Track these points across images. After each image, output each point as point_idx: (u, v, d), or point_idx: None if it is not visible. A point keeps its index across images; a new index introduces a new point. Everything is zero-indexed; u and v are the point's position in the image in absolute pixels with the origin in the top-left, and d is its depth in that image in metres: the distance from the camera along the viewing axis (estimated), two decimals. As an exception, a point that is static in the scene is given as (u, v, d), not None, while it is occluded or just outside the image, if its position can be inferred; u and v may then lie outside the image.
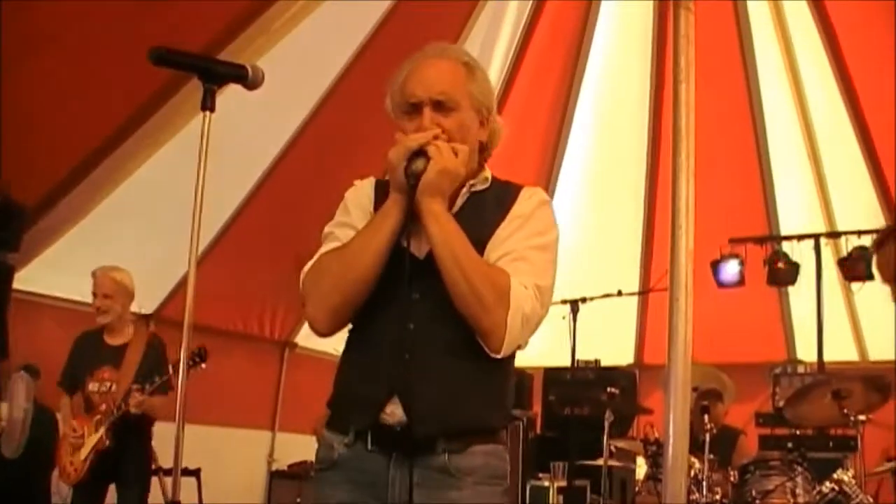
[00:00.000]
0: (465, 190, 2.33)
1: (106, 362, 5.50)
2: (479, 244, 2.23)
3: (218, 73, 2.38)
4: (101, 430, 5.33)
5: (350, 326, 2.33)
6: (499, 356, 2.16)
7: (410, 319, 2.18)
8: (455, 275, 2.15)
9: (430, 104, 2.28)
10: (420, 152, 2.22)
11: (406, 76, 2.34)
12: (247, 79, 2.41)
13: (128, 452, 5.38)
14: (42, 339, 6.48)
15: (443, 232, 2.19)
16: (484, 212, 2.31)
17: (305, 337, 8.95)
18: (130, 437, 5.36)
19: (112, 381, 5.44)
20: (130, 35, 5.18)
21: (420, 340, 2.16)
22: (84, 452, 5.38)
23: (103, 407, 5.35)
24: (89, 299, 6.08)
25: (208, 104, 2.34)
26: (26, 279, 6.26)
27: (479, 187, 2.36)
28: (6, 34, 4.71)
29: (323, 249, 2.32)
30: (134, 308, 5.86)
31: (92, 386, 5.47)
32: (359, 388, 2.24)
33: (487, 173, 2.39)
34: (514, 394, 2.39)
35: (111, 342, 5.60)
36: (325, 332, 2.27)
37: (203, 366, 5.08)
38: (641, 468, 6.28)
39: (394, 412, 2.16)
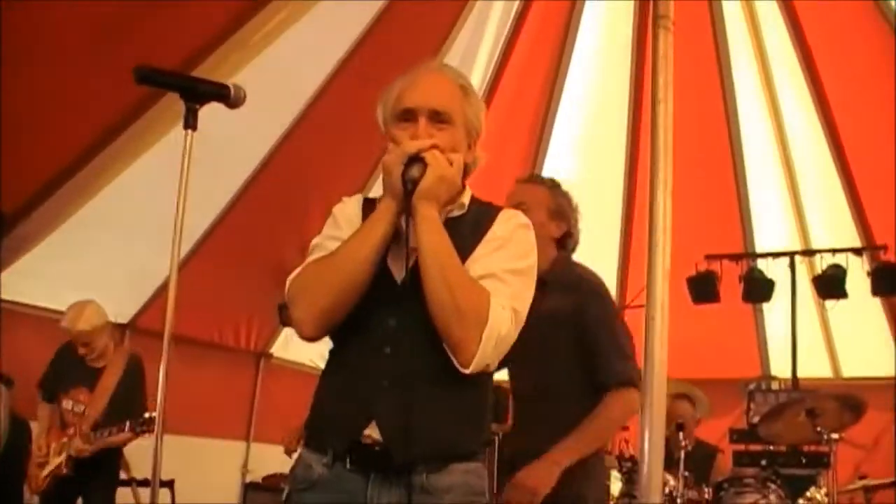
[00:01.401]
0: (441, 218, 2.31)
1: (82, 382, 5.46)
2: None
3: (200, 92, 2.37)
4: (62, 457, 5.29)
5: (330, 348, 2.32)
6: (467, 372, 2.13)
7: (387, 344, 2.17)
8: (438, 284, 2.13)
9: (426, 114, 2.29)
10: (417, 158, 2.21)
11: (404, 86, 2.35)
12: (229, 98, 2.41)
13: (91, 479, 5.37)
14: (18, 348, 6.40)
15: (434, 240, 2.18)
16: (461, 237, 2.27)
17: (281, 348, 8.93)
18: (92, 466, 5.33)
19: (85, 404, 5.38)
20: (110, 45, 5.16)
21: (397, 365, 2.14)
22: (45, 471, 5.33)
23: (71, 430, 5.31)
24: (62, 307, 6.01)
25: (190, 123, 2.33)
26: (2, 287, 6.19)
27: (456, 213, 2.35)
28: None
29: (310, 259, 2.31)
30: (109, 318, 5.81)
31: (66, 404, 5.44)
32: (336, 410, 2.23)
33: (465, 198, 2.37)
34: (491, 415, 2.37)
35: (90, 363, 5.54)
36: (313, 335, 2.24)
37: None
38: (616, 484, 6.28)
39: (371, 434, 2.15)
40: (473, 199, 2.40)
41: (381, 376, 2.15)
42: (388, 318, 2.18)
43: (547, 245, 3.62)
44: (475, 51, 7.55)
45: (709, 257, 8.17)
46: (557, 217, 3.71)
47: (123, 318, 7.38)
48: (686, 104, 4.75)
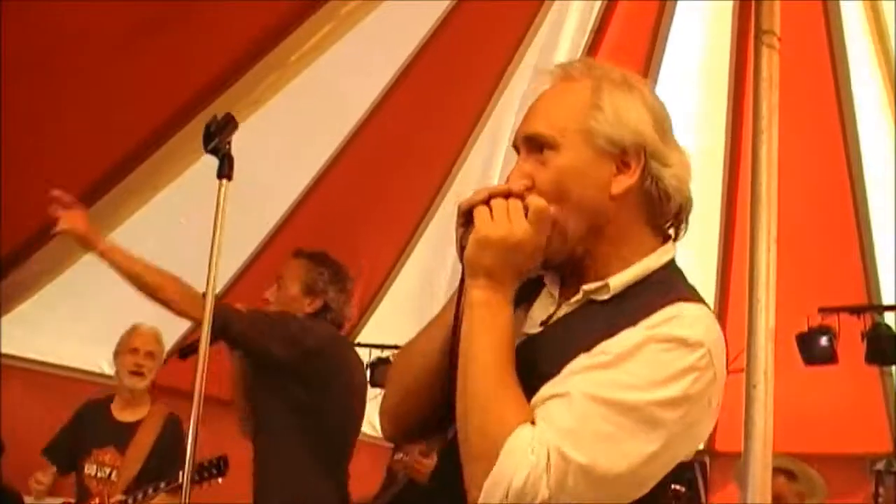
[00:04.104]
0: (578, 296, 1.89)
1: (110, 442, 5.36)
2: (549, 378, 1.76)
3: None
4: None
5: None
6: None
7: (440, 462, 2.04)
8: (459, 393, 1.75)
9: (522, 145, 1.91)
10: (470, 215, 1.82)
11: None
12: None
13: None
14: (9, 407, 6.48)
15: (468, 327, 1.77)
16: (584, 332, 1.81)
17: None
18: None
19: (113, 467, 5.27)
20: (125, 73, 5.21)
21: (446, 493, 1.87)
22: None
23: (97, 501, 5.21)
24: (65, 362, 6.04)
25: (225, 171, 2.31)
26: (-2, 339, 6.29)
27: (601, 296, 1.87)
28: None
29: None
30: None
31: (88, 469, 5.28)
32: None
33: (619, 277, 1.88)
34: None
35: (121, 417, 5.48)
36: (386, 434, 2.10)
37: (220, 480, 4.96)
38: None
39: None
40: (655, 275, 1.96)
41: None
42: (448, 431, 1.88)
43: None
44: (550, 59, 7.56)
45: (823, 310, 8.06)
46: (310, 292, 4.30)
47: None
48: (794, 131, 4.72)
